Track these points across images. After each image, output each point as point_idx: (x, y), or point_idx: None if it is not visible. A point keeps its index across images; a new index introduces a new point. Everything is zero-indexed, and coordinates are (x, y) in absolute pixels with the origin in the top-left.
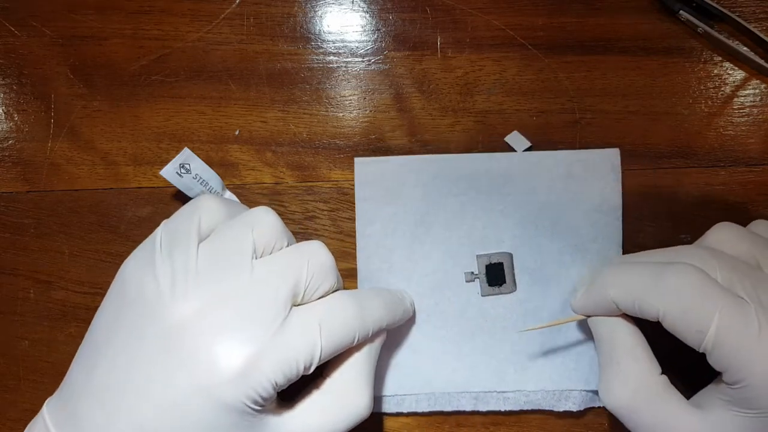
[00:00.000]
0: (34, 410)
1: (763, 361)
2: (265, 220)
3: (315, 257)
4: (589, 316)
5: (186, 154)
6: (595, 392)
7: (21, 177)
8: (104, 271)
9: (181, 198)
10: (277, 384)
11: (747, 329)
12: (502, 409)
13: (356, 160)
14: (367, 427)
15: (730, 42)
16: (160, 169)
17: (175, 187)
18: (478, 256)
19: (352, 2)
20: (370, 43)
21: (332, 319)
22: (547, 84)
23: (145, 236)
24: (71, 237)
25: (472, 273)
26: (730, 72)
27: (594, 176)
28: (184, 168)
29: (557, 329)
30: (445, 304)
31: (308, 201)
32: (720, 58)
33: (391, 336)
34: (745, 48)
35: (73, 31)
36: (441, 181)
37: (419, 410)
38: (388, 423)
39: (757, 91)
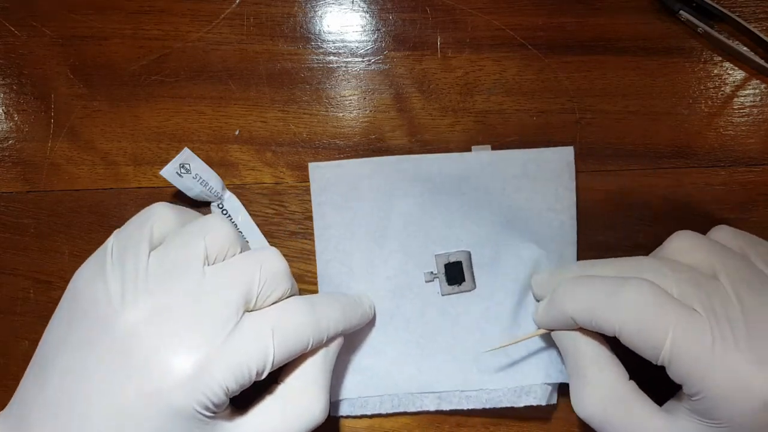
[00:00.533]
0: None
1: (717, 375)
2: (217, 227)
3: (268, 264)
4: (551, 330)
5: (186, 154)
6: (557, 385)
7: (21, 177)
8: None
9: (181, 198)
10: (228, 390)
11: (701, 343)
12: (465, 408)
13: (310, 165)
14: (367, 428)
15: (730, 42)
16: (160, 169)
17: (175, 187)
18: (436, 256)
19: (352, 2)
20: (370, 43)
21: (285, 325)
22: (547, 84)
23: None
24: (71, 237)
25: (432, 273)
26: (730, 72)
27: (548, 175)
28: (184, 168)
29: (517, 326)
30: (406, 305)
31: (308, 201)
32: (720, 58)
33: (355, 339)
34: (745, 48)
35: (73, 31)
36: (396, 182)
37: (383, 411)
38: (387, 423)
39: (757, 91)
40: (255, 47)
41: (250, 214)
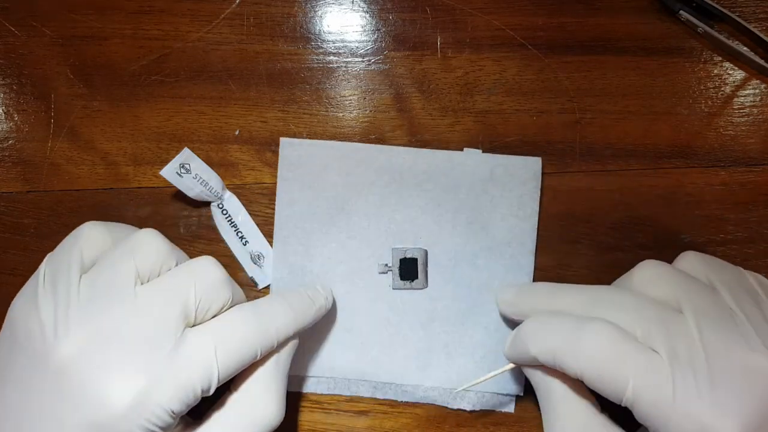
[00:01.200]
0: None
1: (679, 423)
2: (147, 242)
3: (203, 275)
4: (520, 365)
5: (186, 154)
6: (491, 394)
7: (21, 177)
8: None
9: (181, 198)
10: (174, 412)
11: (662, 391)
12: (399, 400)
13: (282, 140)
14: (366, 427)
15: (730, 42)
16: (160, 169)
17: (175, 187)
18: (393, 249)
19: (352, 2)
20: (370, 43)
21: (228, 338)
22: (547, 84)
23: None
24: None
25: (386, 265)
26: (730, 72)
27: (514, 182)
28: (184, 168)
29: (463, 330)
30: (355, 293)
31: None
32: (720, 58)
33: None
34: (745, 48)
35: (73, 31)
36: (365, 170)
37: (318, 391)
38: (388, 423)
39: (757, 91)
40: (255, 47)
41: (250, 214)
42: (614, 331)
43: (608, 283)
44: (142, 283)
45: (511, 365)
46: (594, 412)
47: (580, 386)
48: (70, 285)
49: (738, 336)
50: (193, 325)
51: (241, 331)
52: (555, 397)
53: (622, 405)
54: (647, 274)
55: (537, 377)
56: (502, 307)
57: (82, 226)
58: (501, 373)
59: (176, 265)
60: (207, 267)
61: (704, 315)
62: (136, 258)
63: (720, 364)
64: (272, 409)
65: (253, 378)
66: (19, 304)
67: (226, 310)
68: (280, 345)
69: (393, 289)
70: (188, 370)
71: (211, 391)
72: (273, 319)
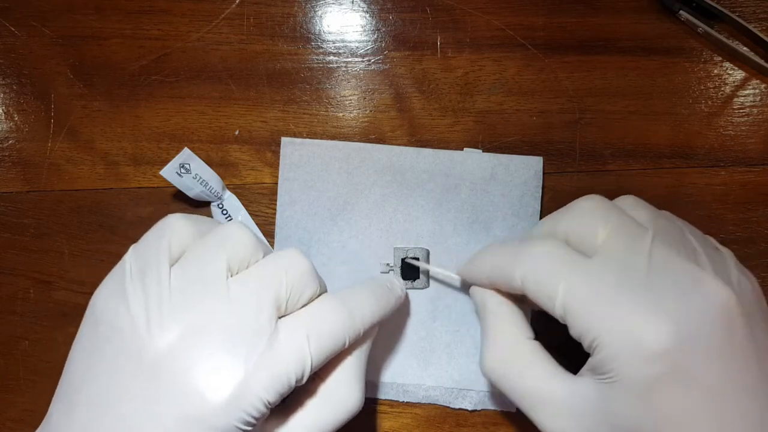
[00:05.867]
0: (33, 410)
1: (610, 322)
2: (236, 235)
3: (292, 266)
4: (468, 282)
5: (186, 154)
6: (493, 393)
7: (21, 177)
8: (104, 271)
9: (181, 198)
10: (269, 402)
11: (593, 288)
12: (401, 400)
13: (283, 139)
14: (365, 428)
15: (730, 42)
16: (160, 169)
17: (175, 187)
18: (395, 249)
19: (352, 2)
20: (370, 43)
21: (320, 328)
22: (547, 84)
23: None
24: (71, 237)
25: (388, 265)
26: (730, 72)
27: (516, 181)
28: (184, 168)
29: (465, 330)
30: None
31: None
32: (720, 58)
33: None
34: (745, 48)
35: (73, 31)
36: (366, 170)
37: None
38: (387, 423)
39: (757, 91)
40: (255, 47)
41: (250, 214)
42: (556, 243)
43: None
44: (232, 275)
45: (458, 277)
46: (523, 337)
47: (514, 311)
48: (161, 278)
49: (691, 260)
50: (284, 315)
51: (332, 319)
52: (489, 319)
53: (555, 313)
54: (629, 201)
55: (477, 297)
56: (463, 274)
57: (168, 218)
58: (447, 276)
59: (263, 256)
60: (295, 258)
61: (665, 236)
62: (227, 250)
63: (662, 273)
64: (357, 396)
65: (342, 367)
66: (103, 298)
67: (314, 299)
68: (366, 333)
69: None
70: (283, 360)
71: (305, 380)
72: (359, 308)
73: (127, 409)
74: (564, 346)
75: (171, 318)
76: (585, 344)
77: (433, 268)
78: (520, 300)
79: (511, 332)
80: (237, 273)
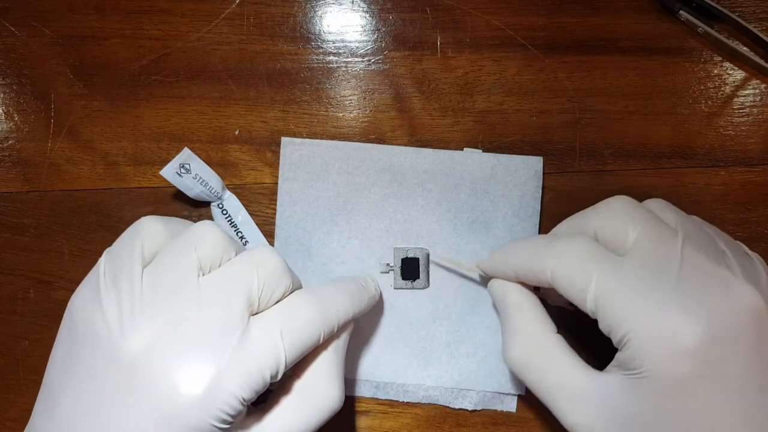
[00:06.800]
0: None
1: (642, 318)
2: (207, 235)
3: (263, 263)
4: (487, 276)
5: (186, 154)
6: (493, 393)
7: (21, 177)
8: None
9: (181, 198)
10: (244, 399)
11: (625, 286)
12: (401, 400)
13: (283, 139)
14: (366, 427)
15: (730, 42)
16: (160, 169)
17: (175, 187)
18: (395, 249)
19: (352, 2)
20: (370, 43)
21: (293, 323)
22: (547, 84)
23: None
24: (71, 237)
25: (388, 265)
26: (730, 72)
27: (516, 181)
28: (184, 168)
29: (465, 330)
30: None
31: None
32: (720, 58)
33: None
34: (745, 48)
35: (73, 31)
36: (366, 170)
37: None
38: (387, 423)
39: (757, 91)
40: (255, 47)
41: (250, 214)
42: (588, 239)
43: None
44: (204, 275)
45: (479, 271)
46: (548, 330)
47: (536, 304)
48: (133, 279)
49: (722, 264)
50: (257, 313)
51: (305, 315)
52: (511, 310)
53: (586, 307)
54: (658, 203)
55: (498, 290)
56: (485, 266)
57: (140, 221)
58: (468, 271)
59: (235, 254)
60: (267, 255)
61: (696, 240)
62: (198, 250)
63: (694, 274)
64: (333, 392)
65: (317, 363)
66: (79, 302)
67: (287, 296)
68: (340, 329)
69: (394, 288)
70: (257, 356)
71: (279, 377)
72: (332, 302)
73: (105, 412)
74: (576, 347)
75: (143, 319)
76: (615, 339)
77: (449, 263)
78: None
79: (536, 325)
80: (209, 272)
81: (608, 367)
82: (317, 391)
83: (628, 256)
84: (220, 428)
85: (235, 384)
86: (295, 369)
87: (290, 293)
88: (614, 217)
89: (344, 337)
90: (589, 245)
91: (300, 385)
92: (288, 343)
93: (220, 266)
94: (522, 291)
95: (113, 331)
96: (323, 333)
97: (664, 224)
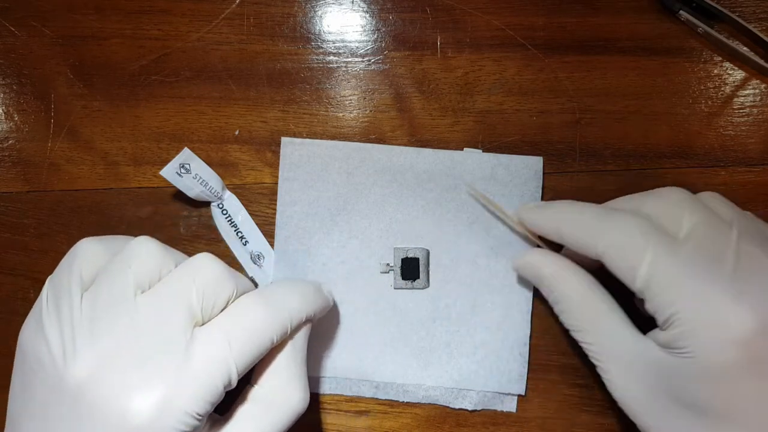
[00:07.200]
0: None
1: (694, 301)
2: (141, 250)
3: (201, 272)
4: (527, 230)
5: (186, 154)
6: (493, 393)
7: (21, 177)
8: None
9: (181, 198)
10: (198, 414)
11: (679, 270)
12: (401, 400)
13: (283, 139)
14: (366, 427)
15: (730, 42)
16: (160, 169)
17: (175, 187)
18: (395, 249)
19: (352, 2)
20: (370, 43)
21: (240, 330)
22: (547, 84)
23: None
24: (71, 237)
25: (388, 265)
26: (730, 72)
27: (515, 182)
28: (184, 168)
29: (465, 330)
30: (357, 293)
31: None
32: (720, 58)
33: None
34: (745, 48)
35: (73, 31)
36: (366, 170)
37: (320, 392)
38: (387, 423)
39: (757, 91)
40: (255, 47)
41: (250, 214)
42: (645, 218)
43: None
44: (143, 292)
45: (520, 224)
46: (602, 292)
47: (578, 270)
48: (72, 306)
49: None
50: (204, 324)
51: (252, 319)
52: (548, 281)
53: (636, 286)
54: (713, 197)
55: (529, 268)
56: (529, 218)
57: (77, 245)
58: (510, 220)
59: (175, 266)
60: (205, 263)
61: (750, 233)
62: (132, 268)
63: (748, 263)
64: (295, 395)
65: (273, 367)
66: (26, 331)
67: (233, 302)
68: (294, 329)
69: (395, 288)
70: (205, 369)
71: (233, 385)
72: (283, 303)
73: None
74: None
75: (84, 345)
76: (661, 318)
77: (485, 200)
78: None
79: (588, 287)
80: (149, 288)
81: (648, 336)
82: (277, 397)
83: (683, 242)
84: None
85: (186, 400)
86: (254, 374)
87: (237, 298)
88: (669, 205)
89: (302, 335)
90: (646, 223)
91: (258, 392)
92: (237, 350)
93: (160, 280)
94: (556, 258)
95: (57, 360)
96: (275, 335)
97: (718, 217)
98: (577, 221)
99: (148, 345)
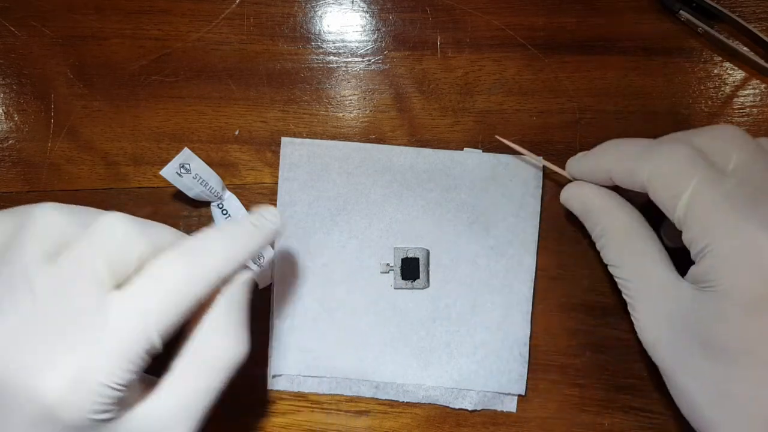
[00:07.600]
0: None
1: (730, 233)
2: (40, 218)
3: (105, 235)
4: (572, 178)
5: (186, 154)
6: (493, 393)
7: (21, 177)
8: None
9: (181, 198)
10: (119, 384)
11: (719, 199)
12: (401, 400)
13: (283, 139)
14: (367, 427)
15: (730, 42)
16: (160, 169)
17: (175, 187)
18: (395, 249)
19: (352, 2)
20: (370, 43)
21: (157, 291)
22: (547, 84)
23: None
24: None
25: (388, 265)
26: (730, 72)
27: (516, 181)
28: (184, 168)
29: (465, 330)
30: (357, 293)
31: None
32: (720, 58)
33: (300, 319)
34: (745, 48)
35: (73, 31)
36: (366, 170)
37: (320, 392)
38: (387, 423)
39: (757, 91)
40: (255, 47)
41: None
42: (690, 148)
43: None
44: (50, 262)
45: (564, 172)
46: (646, 230)
47: (624, 203)
48: None
49: None
50: (121, 287)
51: (170, 278)
52: (596, 215)
53: (675, 215)
54: (766, 141)
55: (576, 199)
56: (579, 167)
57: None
58: (552, 168)
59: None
60: (109, 224)
61: None
62: (33, 237)
63: None
64: (231, 345)
65: (205, 320)
66: None
67: (152, 259)
68: (225, 279)
69: (394, 288)
70: (120, 337)
71: (159, 348)
72: (207, 256)
73: None
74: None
75: None
76: (695, 249)
77: (515, 145)
78: None
79: (634, 226)
80: (57, 257)
81: (684, 279)
82: (210, 349)
83: (729, 176)
84: (100, 419)
85: (101, 372)
86: (187, 330)
87: (156, 253)
88: (720, 139)
89: (238, 285)
90: (693, 152)
91: (191, 348)
92: (156, 313)
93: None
94: (604, 191)
95: None
96: (200, 291)
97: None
98: (626, 152)
99: (55, 319)
